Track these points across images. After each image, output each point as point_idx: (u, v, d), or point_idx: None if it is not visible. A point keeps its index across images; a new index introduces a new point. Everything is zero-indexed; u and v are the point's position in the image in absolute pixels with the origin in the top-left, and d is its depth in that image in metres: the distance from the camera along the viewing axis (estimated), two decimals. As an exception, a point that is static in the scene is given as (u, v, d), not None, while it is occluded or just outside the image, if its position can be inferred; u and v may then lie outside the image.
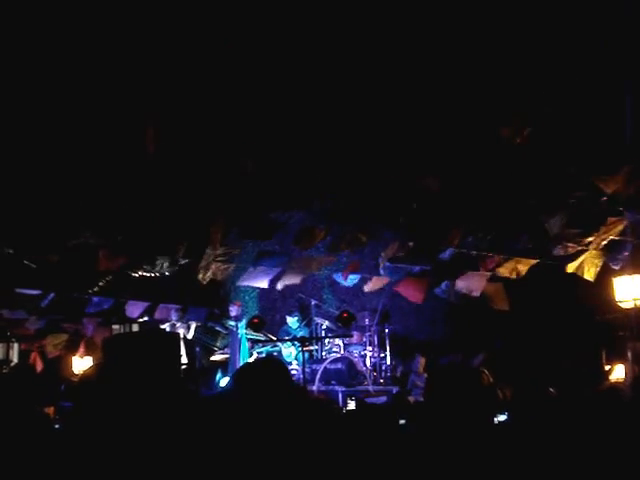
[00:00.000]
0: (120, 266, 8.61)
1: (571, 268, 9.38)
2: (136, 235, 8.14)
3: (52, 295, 11.35)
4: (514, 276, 9.81)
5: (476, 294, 10.05)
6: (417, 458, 2.91)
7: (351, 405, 10.00)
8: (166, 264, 8.98)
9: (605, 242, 9.11)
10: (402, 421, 4.32)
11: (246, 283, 10.82)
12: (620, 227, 8.95)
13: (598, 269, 9.35)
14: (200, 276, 9.39)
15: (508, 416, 3.68)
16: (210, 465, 2.61)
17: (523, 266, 9.75)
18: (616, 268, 9.32)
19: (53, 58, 5.68)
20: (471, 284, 10.09)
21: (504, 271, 9.81)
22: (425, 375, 11.87)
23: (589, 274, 9.39)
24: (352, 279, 11.22)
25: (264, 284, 10.37)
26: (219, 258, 9.19)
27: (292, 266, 10.05)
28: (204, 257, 8.97)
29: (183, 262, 9.11)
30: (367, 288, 11.16)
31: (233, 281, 13.31)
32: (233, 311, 13.05)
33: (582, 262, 9.33)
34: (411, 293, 10.74)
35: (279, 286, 10.23)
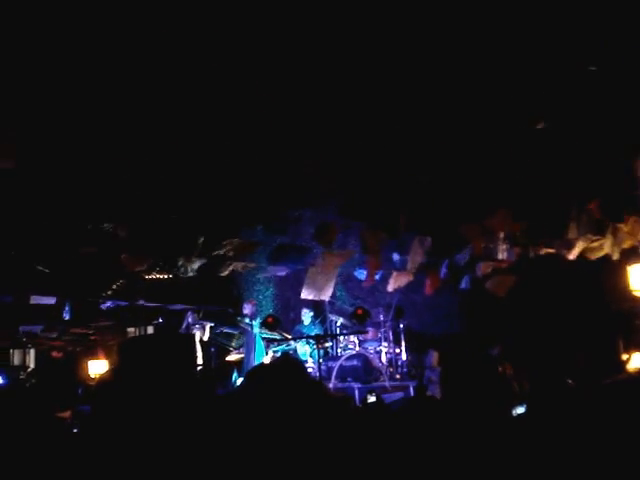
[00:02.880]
0: (144, 267, 8.61)
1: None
2: (159, 235, 8.14)
3: (69, 304, 11.39)
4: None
5: (502, 294, 10.11)
6: (435, 449, 2.90)
7: (371, 399, 9.97)
8: (191, 266, 8.96)
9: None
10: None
11: (264, 274, 10.81)
12: None
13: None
14: (221, 270, 9.37)
15: (526, 408, 3.66)
16: (227, 463, 2.60)
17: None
18: None
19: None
20: (498, 285, 10.16)
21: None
22: (439, 369, 11.83)
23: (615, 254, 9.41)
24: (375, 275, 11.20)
25: (325, 297, 10.28)
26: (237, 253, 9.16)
27: (313, 265, 9.96)
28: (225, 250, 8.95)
29: (205, 261, 9.08)
30: (391, 287, 11.14)
31: (251, 275, 13.33)
32: (247, 309, 13.07)
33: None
34: (429, 286, 10.78)
35: (310, 296, 10.09)
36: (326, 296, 9.98)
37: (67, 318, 11.40)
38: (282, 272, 10.42)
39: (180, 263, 8.91)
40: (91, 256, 8.23)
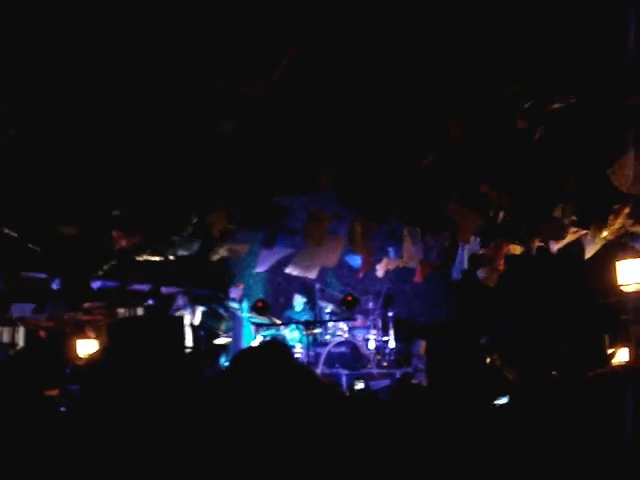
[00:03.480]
0: (133, 245, 8.59)
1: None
2: (150, 214, 8.13)
3: (59, 280, 11.41)
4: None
5: (492, 284, 10.17)
6: (421, 437, 2.94)
7: (359, 386, 10.04)
8: (182, 248, 8.94)
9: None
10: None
11: (263, 268, 10.82)
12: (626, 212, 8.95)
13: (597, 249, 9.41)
14: (212, 254, 9.38)
15: (509, 398, 3.72)
16: (214, 447, 2.64)
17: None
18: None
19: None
20: (488, 275, 10.22)
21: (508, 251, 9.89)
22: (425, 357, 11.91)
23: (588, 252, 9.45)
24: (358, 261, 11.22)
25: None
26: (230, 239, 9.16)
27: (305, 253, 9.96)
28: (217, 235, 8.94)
29: (197, 243, 9.07)
30: (380, 272, 11.16)
31: (242, 259, 13.34)
32: (233, 293, 13.12)
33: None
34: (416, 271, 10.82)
35: (295, 272, 10.10)
36: (313, 275, 10.01)
37: (56, 288, 11.42)
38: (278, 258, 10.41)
39: (174, 240, 8.90)
40: (77, 237, 8.22)
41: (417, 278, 10.71)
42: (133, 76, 6.14)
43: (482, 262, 10.23)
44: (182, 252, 9.13)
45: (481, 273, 10.30)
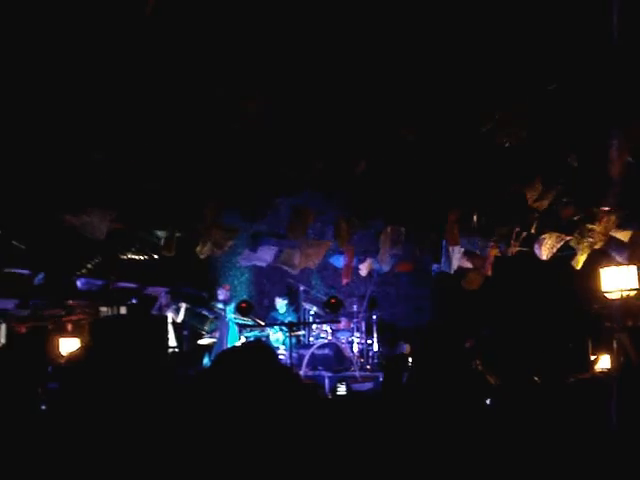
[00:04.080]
0: (112, 237, 8.54)
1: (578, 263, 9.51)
2: (132, 207, 8.09)
3: (42, 275, 11.33)
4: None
5: (475, 287, 10.25)
6: (403, 439, 2.94)
7: (341, 390, 10.04)
8: (163, 235, 8.90)
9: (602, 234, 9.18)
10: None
11: (246, 263, 10.83)
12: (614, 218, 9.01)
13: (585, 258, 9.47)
14: (198, 249, 9.35)
15: (491, 402, 3.72)
16: (195, 447, 2.62)
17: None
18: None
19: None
20: (471, 281, 10.29)
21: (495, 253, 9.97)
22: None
23: (576, 263, 9.50)
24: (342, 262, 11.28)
25: (263, 263, 10.37)
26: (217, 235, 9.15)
27: (293, 251, 10.01)
28: (202, 230, 8.93)
29: (179, 235, 9.03)
30: (364, 272, 11.20)
31: (227, 260, 13.34)
32: (221, 294, 13.09)
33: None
34: (405, 267, 10.90)
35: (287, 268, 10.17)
36: (295, 271, 10.12)
37: (38, 283, 11.33)
38: (262, 263, 10.44)
39: (162, 235, 8.87)
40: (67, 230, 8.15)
41: (398, 268, 10.79)
42: (136, 80, 6.14)
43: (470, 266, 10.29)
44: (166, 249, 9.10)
45: (465, 281, 10.37)
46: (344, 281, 11.17)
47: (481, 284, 10.46)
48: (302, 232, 9.02)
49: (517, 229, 9.28)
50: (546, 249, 9.40)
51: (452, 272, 10.36)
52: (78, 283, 11.91)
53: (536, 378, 4.39)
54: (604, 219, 8.98)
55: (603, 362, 9.52)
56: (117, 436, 2.93)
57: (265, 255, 10.26)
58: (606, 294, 9.77)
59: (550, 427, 3.18)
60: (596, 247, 9.31)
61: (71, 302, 11.95)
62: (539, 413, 3.34)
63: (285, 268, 10.27)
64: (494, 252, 10.13)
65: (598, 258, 9.76)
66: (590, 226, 9.08)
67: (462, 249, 10.02)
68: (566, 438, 3.12)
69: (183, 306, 13.22)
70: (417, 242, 10.03)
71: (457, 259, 10.20)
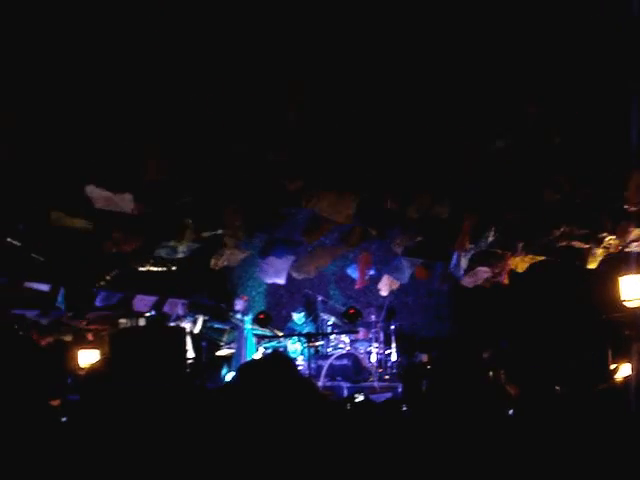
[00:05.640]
0: (133, 250, 8.59)
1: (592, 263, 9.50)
2: (149, 218, 8.13)
3: (63, 292, 11.39)
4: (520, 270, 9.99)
5: (479, 282, 10.24)
6: (421, 450, 2.93)
7: (359, 399, 10.02)
8: (181, 247, 8.93)
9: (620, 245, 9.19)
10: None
11: (265, 279, 10.86)
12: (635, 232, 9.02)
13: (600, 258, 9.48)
14: (213, 262, 9.39)
15: (513, 413, 3.70)
16: (214, 458, 2.63)
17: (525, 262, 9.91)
18: None
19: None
20: (477, 279, 10.23)
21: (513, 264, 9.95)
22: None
23: (592, 264, 9.51)
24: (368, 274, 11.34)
25: (281, 280, 10.40)
26: (232, 243, 9.20)
27: (303, 258, 10.08)
28: (221, 241, 8.99)
29: (196, 246, 9.07)
30: (384, 291, 11.21)
31: (244, 271, 13.37)
32: (239, 305, 13.08)
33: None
34: (423, 273, 10.90)
35: (295, 275, 10.24)
36: (281, 280, 10.14)
37: (61, 307, 11.42)
38: (280, 280, 10.46)
39: (171, 244, 8.91)
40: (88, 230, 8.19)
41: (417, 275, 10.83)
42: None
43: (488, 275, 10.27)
44: (176, 253, 9.13)
45: (468, 279, 10.32)
46: (358, 285, 11.18)
47: (498, 292, 10.43)
48: (317, 237, 9.07)
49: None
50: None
51: (461, 275, 10.32)
52: (98, 299, 11.98)
53: (557, 387, 4.36)
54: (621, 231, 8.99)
55: (623, 371, 9.45)
56: (137, 447, 2.94)
57: (281, 266, 10.28)
58: (625, 302, 9.69)
59: (572, 436, 3.16)
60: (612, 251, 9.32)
61: (90, 314, 12.02)
62: (561, 423, 3.32)
63: (299, 276, 10.32)
64: (511, 262, 10.09)
65: (616, 265, 9.71)
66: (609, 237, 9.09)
67: (470, 253, 9.98)
68: (587, 447, 3.10)
69: (200, 318, 13.24)
70: (431, 251, 10.05)
71: (465, 264, 10.17)
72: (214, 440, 2.66)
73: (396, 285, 11.08)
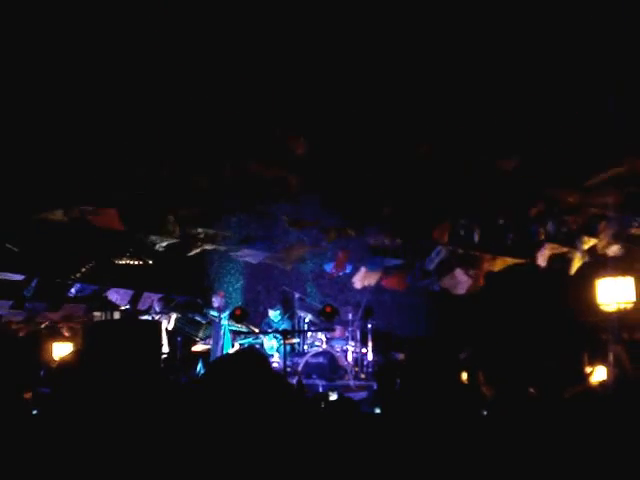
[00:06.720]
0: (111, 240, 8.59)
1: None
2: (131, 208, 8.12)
3: (35, 283, 11.28)
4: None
5: (462, 292, 10.18)
6: (396, 450, 2.91)
7: (332, 397, 10.00)
8: (160, 243, 8.90)
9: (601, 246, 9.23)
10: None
11: (240, 257, 10.88)
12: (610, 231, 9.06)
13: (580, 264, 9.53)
14: (190, 250, 9.39)
15: (486, 414, 3.70)
16: (187, 453, 2.60)
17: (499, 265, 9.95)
18: None
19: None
20: (457, 282, 10.23)
21: (488, 267, 9.96)
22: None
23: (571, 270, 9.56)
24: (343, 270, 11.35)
25: (254, 260, 10.45)
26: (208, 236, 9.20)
27: (279, 253, 10.10)
28: (195, 234, 8.98)
29: (175, 241, 9.05)
30: (358, 284, 11.19)
31: (222, 267, 13.34)
32: (216, 302, 13.03)
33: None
34: (394, 283, 10.87)
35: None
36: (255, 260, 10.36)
37: (28, 295, 11.30)
38: (254, 259, 10.46)
39: (151, 239, 8.88)
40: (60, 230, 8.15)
41: (391, 283, 10.81)
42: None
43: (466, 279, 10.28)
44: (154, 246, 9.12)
45: (447, 282, 10.34)
46: (334, 270, 11.17)
47: (475, 293, 10.45)
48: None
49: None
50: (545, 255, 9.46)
51: (432, 269, 10.34)
52: (72, 290, 11.88)
53: (531, 390, 4.36)
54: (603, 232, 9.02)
55: (599, 374, 9.51)
56: (109, 441, 2.90)
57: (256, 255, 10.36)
58: (602, 306, 9.74)
59: (546, 438, 3.16)
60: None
61: (65, 306, 11.91)
62: (533, 423, 3.32)
63: (275, 263, 10.42)
64: (489, 264, 10.12)
65: (593, 270, 9.76)
66: (587, 238, 9.12)
67: (446, 249, 10.00)
68: (562, 449, 3.10)
69: (173, 315, 13.16)
70: (412, 252, 10.07)
71: (439, 259, 10.19)
72: (184, 435, 2.63)
73: (372, 281, 11.07)
